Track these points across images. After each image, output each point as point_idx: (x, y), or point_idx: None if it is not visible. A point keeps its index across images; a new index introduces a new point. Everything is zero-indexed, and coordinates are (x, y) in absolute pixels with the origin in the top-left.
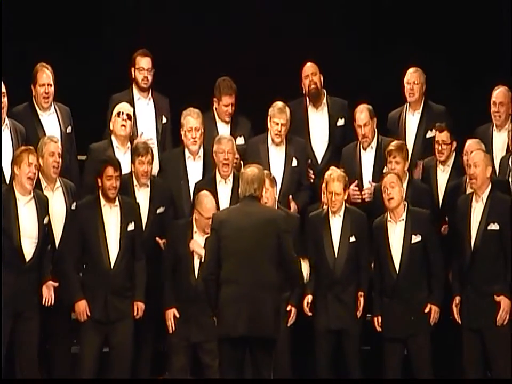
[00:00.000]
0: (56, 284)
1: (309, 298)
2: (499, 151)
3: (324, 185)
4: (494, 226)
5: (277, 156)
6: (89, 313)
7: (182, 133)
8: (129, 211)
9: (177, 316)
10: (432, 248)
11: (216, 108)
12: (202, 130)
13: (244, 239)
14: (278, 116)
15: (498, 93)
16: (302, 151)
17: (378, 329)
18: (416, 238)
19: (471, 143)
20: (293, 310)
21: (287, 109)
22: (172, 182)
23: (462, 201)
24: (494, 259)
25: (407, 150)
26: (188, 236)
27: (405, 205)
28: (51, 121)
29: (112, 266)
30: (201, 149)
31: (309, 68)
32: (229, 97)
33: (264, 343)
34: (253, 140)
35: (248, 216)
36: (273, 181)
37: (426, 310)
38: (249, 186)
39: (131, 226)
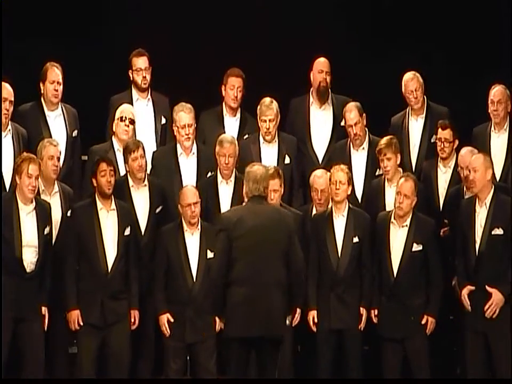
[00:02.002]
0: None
1: (314, 314)
2: (497, 153)
3: (315, 181)
4: (498, 231)
5: (269, 155)
6: (81, 323)
7: (175, 128)
8: (125, 216)
9: (172, 320)
10: (432, 259)
11: (224, 98)
12: (195, 125)
13: (256, 240)
14: (265, 112)
15: (496, 91)
16: (293, 148)
17: (375, 321)
18: (417, 247)
19: (464, 155)
20: (298, 310)
21: (274, 104)
22: (164, 180)
23: (465, 204)
24: (498, 262)
25: (396, 144)
26: (179, 238)
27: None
28: (58, 124)
29: (109, 271)
30: (194, 145)
31: (325, 64)
32: (235, 78)
33: (272, 343)
34: (245, 140)
35: (259, 217)
36: (281, 179)
37: (423, 322)
38: (258, 186)
39: (127, 231)
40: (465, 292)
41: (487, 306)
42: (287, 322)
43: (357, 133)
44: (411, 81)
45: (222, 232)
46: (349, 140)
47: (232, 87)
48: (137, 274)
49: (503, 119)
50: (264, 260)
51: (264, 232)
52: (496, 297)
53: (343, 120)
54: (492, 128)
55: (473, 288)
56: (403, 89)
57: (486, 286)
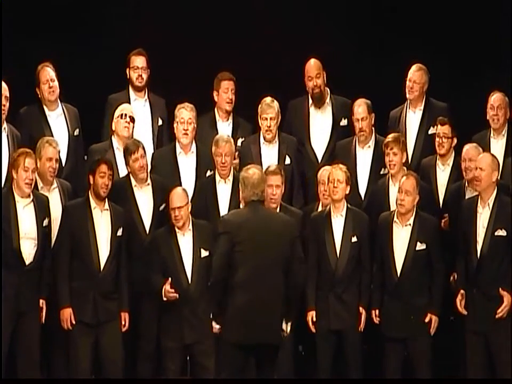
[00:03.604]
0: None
1: (313, 314)
2: (498, 158)
3: (323, 175)
4: (501, 232)
5: (269, 155)
6: (74, 321)
7: (175, 125)
8: (118, 216)
9: (170, 280)
10: (435, 258)
11: (216, 104)
12: (195, 125)
13: (258, 246)
14: (266, 111)
15: (496, 97)
16: (293, 148)
17: (376, 321)
18: (421, 246)
19: (468, 149)
20: None
21: (275, 103)
22: (164, 179)
23: (467, 205)
24: (500, 263)
25: (404, 142)
26: (171, 240)
27: (414, 208)
28: (59, 123)
29: (101, 270)
30: (194, 144)
31: (313, 68)
32: (227, 81)
33: (270, 349)
34: (245, 140)
35: (261, 223)
36: (283, 177)
37: (427, 320)
38: (256, 190)
39: (119, 232)
40: (459, 298)
41: (499, 310)
42: (288, 328)
43: (363, 128)
44: (415, 72)
45: (223, 235)
46: (354, 138)
47: (226, 90)
48: (128, 275)
49: (502, 125)
50: (265, 266)
51: (266, 239)
52: (508, 300)
53: (344, 120)
54: (491, 135)
55: (463, 292)
56: (407, 77)
57: (500, 289)
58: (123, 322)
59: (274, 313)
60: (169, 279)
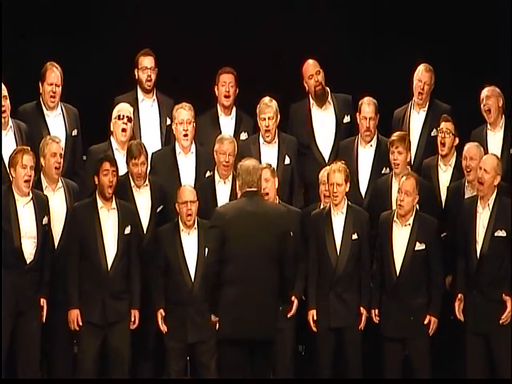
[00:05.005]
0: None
1: (314, 313)
2: (495, 151)
3: (324, 175)
4: (501, 233)
5: (269, 155)
6: (80, 323)
7: (174, 126)
8: (126, 215)
9: (163, 314)
10: (434, 258)
11: (217, 98)
12: (194, 124)
13: (249, 241)
14: (264, 110)
15: (485, 89)
16: (293, 148)
17: (376, 321)
18: (420, 246)
19: (470, 147)
20: (295, 301)
21: (274, 103)
22: (163, 180)
23: (467, 204)
24: (500, 264)
25: (409, 141)
26: (176, 239)
27: (413, 208)
28: (57, 123)
29: (109, 269)
30: (193, 145)
31: (312, 66)
32: (226, 74)
33: (265, 345)
34: (245, 141)
35: (253, 216)
36: (274, 172)
37: (426, 322)
38: (250, 178)
39: (127, 230)
40: (457, 303)
41: (504, 316)
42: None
43: (370, 128)
44: (425, 72)
45: (214, 229)
46: (357, 137)
47: (224, 83)
48: (139, 273)
49: (496, 117)
50: (257, 262)
51: (257, 235)
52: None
53: (347, 117)
54: (488, 128)
55: (461, 297)
56: (414, 76)
57: (503, 295)
58: (132, 319)
59: (266, 308)
60: (162, 312)
